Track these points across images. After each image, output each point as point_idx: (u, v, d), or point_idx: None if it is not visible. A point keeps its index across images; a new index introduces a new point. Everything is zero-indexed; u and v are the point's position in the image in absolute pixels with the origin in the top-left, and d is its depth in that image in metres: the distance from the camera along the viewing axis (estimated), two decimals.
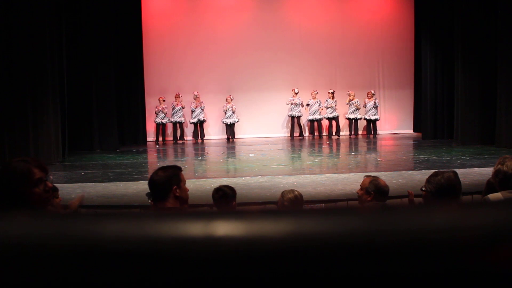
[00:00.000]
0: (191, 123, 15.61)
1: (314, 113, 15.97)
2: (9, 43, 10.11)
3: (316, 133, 16.13)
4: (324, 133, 16.27)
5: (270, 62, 16.21)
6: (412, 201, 4.31)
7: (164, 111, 15.34)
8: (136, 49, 14.83)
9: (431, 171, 3.40)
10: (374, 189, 3.81)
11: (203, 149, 13.71)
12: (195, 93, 15.42)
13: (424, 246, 0.65)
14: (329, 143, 14.65)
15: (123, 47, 14.34)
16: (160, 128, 15.48)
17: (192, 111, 15.45)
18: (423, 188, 3.31)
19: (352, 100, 16.05)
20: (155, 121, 15.44)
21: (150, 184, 3.10)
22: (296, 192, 4.12)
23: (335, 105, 15.92)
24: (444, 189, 3.14)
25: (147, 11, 15.41)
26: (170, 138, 15.77)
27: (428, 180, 3.29)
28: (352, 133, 16.18)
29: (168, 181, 3.06)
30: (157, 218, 0.69)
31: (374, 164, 10.45)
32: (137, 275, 0.63)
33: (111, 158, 11.68)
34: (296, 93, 15.83)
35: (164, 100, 15.37)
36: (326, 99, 15.97)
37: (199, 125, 15.62)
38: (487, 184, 4.39)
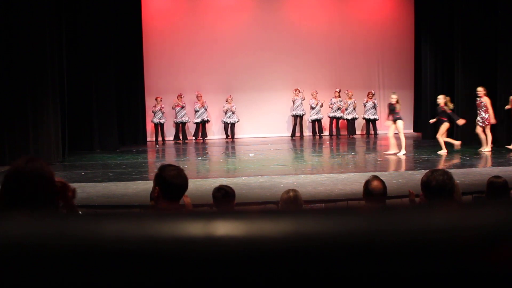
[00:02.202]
0: (194, 123, 15.61)
1: (316, 113, 15.97)
2: (9, 43, 10.12)
3: (317, 133, 16.13)
4: (326, 133, 16.28)
5: (270, 62, 16.20)
6: (412, 201, 4.32)
7: (162, 110, 15.35)
8: (136, 49, 14.83)
9: None
10: (365, 191, 3.85)
11: (204, 149, 13.71)
12: (197, 93, 15.43)
13: (424, 246, 0.65)
14: (329, 143, 14.65)
15: (123, 47, 14.34)
16: (159, 128, 15.47)
17: (196, 111, 15.45)
18: None
19: (349, 99, 16.07)
20: (152, 121, 15.41)
21: (181, 185, 2.86)
22: (295, 192, 4.12)
23: (341, 104, 15.96)
24: (424, 186, 3.19)
25: (147, 11, 15.41)
26: (169, 138, 15.77)
27: None
28: (351, 133, 16.21)
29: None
30: (157, 218, 0.69)
31: (374, 164, 10.45)
32: (137, 275, 0.63)
33: (111, 158, 11.67)
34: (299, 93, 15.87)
35: (161, 100, 15.37)
36: (331, 98, 16.00)
37: (201, 125, 15.63)
38: (488, 185, 4.39)
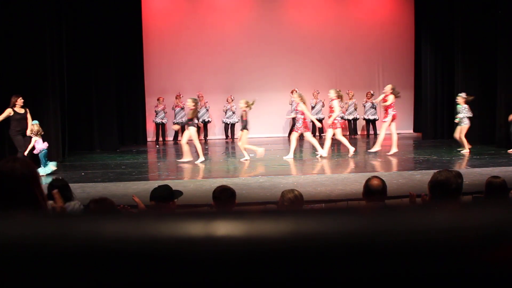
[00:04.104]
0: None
1: (316, 113, 15.98)
2: (9, 43, 10.12)
3: (317, 133, 16.13)
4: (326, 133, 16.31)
5: (271, 62, 16.20)
6: (413, 203, 4.32)
7: (165, 110, 15.36)
8: (136, 49, 14.83)
9: (431, 171, 3.43)
10: (365, 189, 3.89)
11: (206, 149, 13.71)
12: (198, 93, 15.44)
13: (425, 246, 0.65)
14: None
15: (123, 47, 14.34)
16: (160, 128, 15.48)
17: (197, 112, 15.46)
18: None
19: (350, 99, 16.10)
20: (154, 121, 15.42)
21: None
22: (296, 192, 4.11)
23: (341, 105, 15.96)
24: (439, 186, 3.17)
25: (147, 11, 15.41)
26: (169, 138, 15.78)
27: (432, 175, 3.35)
28: (352, 133, 16.25)
29: None
30: (157, 218, 0.69)
31: (374, 165, 10.45)
32: (137, 275, 0.63)
33: (111, 158, 11.67)
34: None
35: (163, 100, 15.38)
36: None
37: (203, 125, 15.66)
38: (486, 185, 4.39)
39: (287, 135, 16.16)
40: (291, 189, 4.20)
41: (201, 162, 10.51)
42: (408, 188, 6.98)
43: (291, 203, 3.97)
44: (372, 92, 16.17)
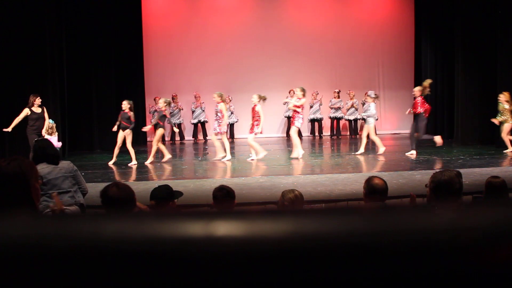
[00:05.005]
0: (192, 124, 15.62)
1: (315, 113, 16.00)
2: (9, 43, 10.12)
3: (317, 133, 16.15)
4: (326, 133, 16.31)
5: (270, 62, 16.20)
6: (414, 204, 4.31)
7: (159, 110, 15.34)
8: (136, 49, 14.84)
9: (431, 171, 3.43)
10: (368, 189, 3.87)
11: (205, 149, 13.72)
12: (195, 93, 15.45)
13: (425, 246, 0.65)
14: (330, 143, 14.65)
15: (123, 47, 14.34)
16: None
17: (193, 112, 15.47)
18: (426, 185, 3.36)
19: (351, 99, 16.10)
20: (151, 121, 15.41)
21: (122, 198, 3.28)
22: (296, 192, 4.11)
23: (341, 105, 15.96)
24: (442, 186, 3.16)
25: (147, 11, 15.42)
26: (167, 138, 15.78)
27: (432, 176, 3.33)
28: (353, 133, 16.25)
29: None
30: (157, 218, 0.69)
31: (374, 164, 10.45)
32: (137, 275, 0.63)
33: (111, 158, 11.66)
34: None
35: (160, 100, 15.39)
36: (331, 98, 16.03)
37: (200, 125, 15.64)
38: (486, 185, 4.39)
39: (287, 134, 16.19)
40: (291, 189, 4.19)
41: (113, 164, 10.44)
42: (408, 188, 6.97)
43: (291, 203, 3.97)
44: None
